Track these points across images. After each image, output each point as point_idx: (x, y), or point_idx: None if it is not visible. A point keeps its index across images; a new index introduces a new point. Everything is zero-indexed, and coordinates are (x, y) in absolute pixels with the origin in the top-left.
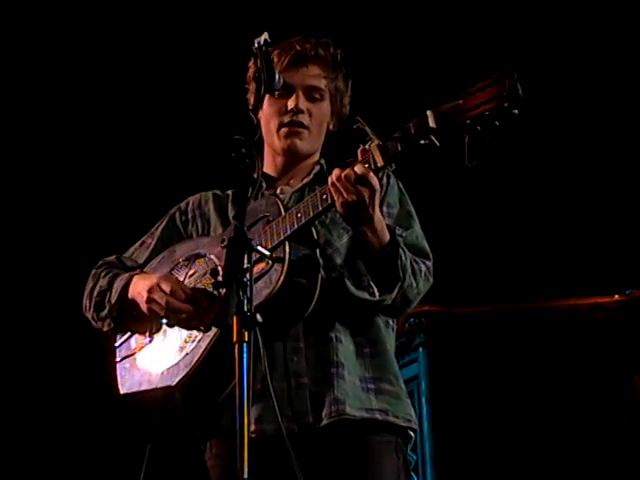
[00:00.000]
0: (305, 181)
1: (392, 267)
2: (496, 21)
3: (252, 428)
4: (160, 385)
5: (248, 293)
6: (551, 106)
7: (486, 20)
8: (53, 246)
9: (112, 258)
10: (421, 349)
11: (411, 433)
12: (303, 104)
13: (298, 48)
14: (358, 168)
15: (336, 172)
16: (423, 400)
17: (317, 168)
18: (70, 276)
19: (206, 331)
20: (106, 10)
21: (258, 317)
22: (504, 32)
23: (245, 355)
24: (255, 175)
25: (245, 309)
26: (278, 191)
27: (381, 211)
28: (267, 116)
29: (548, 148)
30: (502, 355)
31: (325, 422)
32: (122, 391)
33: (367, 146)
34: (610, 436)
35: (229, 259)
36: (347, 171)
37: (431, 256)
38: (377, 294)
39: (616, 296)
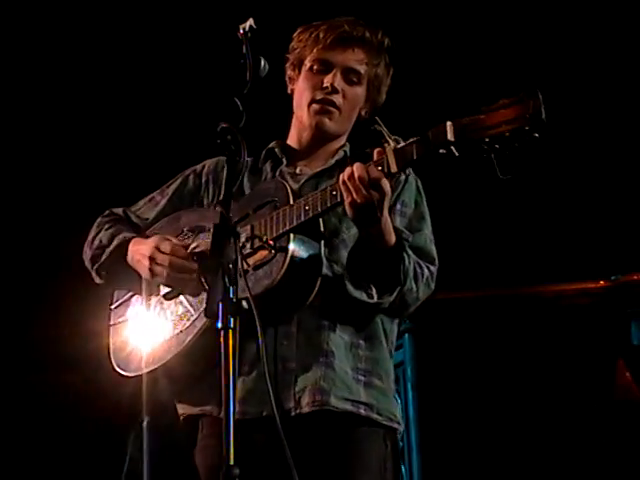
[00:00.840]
0: (325, 166)
1: (394, 270)
2: (524, 35)
3: (236, 409)
4: (152, 365)
5: (235, 280)
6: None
7: (513, 33)
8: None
9: (119, 210)
10: (407, 335)
11: (397, 427)
12: (339, 84)
13: (346, 28)
14: (372, 171)
15: (348, 171)
16: (409, 386)
17: (340, 154)
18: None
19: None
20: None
21: (244, 304)
22: (529, 46)
23: (231, 342)
24: (241, 161)
25: (231, 296)
26: (298, 170)
27: (395, 209)
28: (301, 89)
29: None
30: (488, 341)
31: (306, 410)
32: (122, 369)
33: (384, 148)
34: (595, 420)
35: (214, 246)
36: (359, 172)
37: (437, 262)
38: (375, 296)
39: (602, 282)
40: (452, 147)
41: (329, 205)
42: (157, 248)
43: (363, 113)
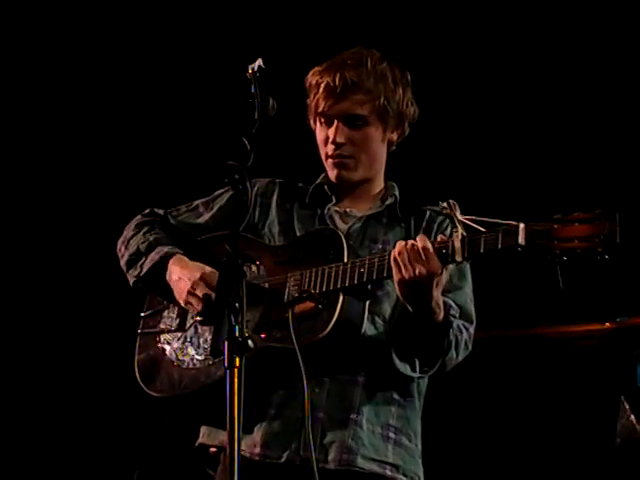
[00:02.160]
0: (373, 210)
1: (439, 344)
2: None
3: (257, 451)
4: (179, 391)
5: (242, 319)
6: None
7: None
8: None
9: (161, 212)
10: None
11: None
12: (343, 135)
13: (331, 82)
14: (432, 260)
15: (402, 247)
16: None
17: (390, 200)
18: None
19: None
20: (106, 16)
21: (250, 343)
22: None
23: (236, 381)
24: (248, 200)
25: (237, 334)
26: (347, 210)
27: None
28: (318, 142)
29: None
30: (492, 381)
31: (332, 467)
32: (145, 384)
33: (449, 235)
34: (597, 462)
35: (221, 284)
36: (417, 250)
37: (475, 321)
38: (418, 369)
39: (607, 324)
40: (519, 249)
41: (385, 275)
42: (201, 281)
43: (394, 139)
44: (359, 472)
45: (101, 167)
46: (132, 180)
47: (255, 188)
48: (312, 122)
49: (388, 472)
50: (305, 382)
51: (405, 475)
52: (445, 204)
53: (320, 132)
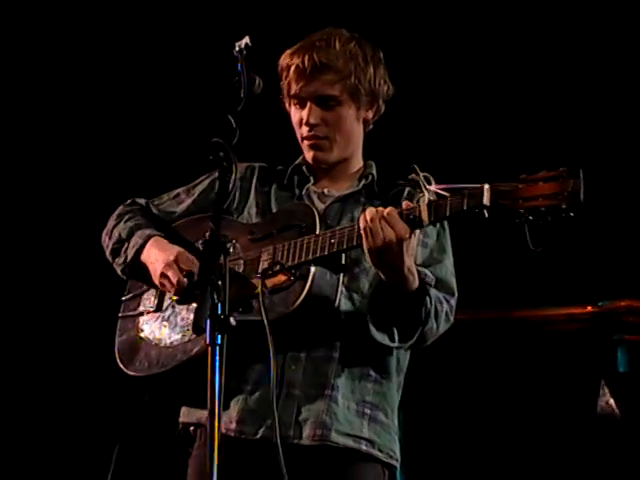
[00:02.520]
0: (351, 189)
1: (416, 313)
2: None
3: (233, 427)
4: (155, 369)
5: (224, 297)
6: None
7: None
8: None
9: (142, 201)
10: None
11: (395, 464)
12: (316, 116)
13: (300, 64)
14: (399, 227)
15: (370, 213)
16: None
17: (368, 178)
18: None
19: None
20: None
21: (231, 320)
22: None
23: (217, 359)
24: (232, 178)
25: (219, 312)
26: (325, 191)
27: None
28: (293, 125)
29: (521, 159)
30: (473, 363)
31: (307, 443)
32: (124, 364)
33: (416, 201)
34: (579, 442)
35: (204, 261)
36: (383, 217)
37: (456, 293)
38: (397, 339)
39: (589, 307)
40: (485, 210)
41: (355, 244)
42: (175, 264)
43: (367, 118)
44: (333, 447)
45: (84, 148)
46: (117, 162)
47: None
48: (287, 105)
49: (363, 447)
50: (272, 355)
51: (381, 451)
52: (413, 175)
53: (294, 114)
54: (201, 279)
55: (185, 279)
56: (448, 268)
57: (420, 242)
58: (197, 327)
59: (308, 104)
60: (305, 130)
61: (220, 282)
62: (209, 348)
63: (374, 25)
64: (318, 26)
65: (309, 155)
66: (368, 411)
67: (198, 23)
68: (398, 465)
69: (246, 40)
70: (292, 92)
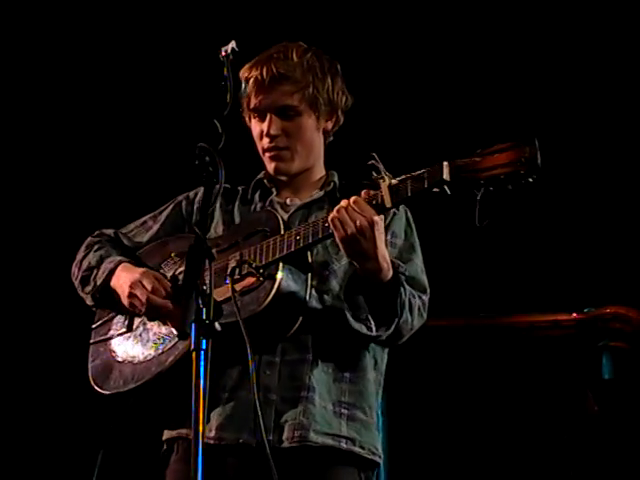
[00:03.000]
0: (314, 197)
1: (391, 303)
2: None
3: (212, 434)
4: (131, 384)
5: (208, 302)
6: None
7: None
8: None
9: (110, 232)
10: None
11: (376, 459)
12: (276, 127)
13: (259, 76)
14: (364, 208)
15: (342, 205)
16: (379, 412)
17: (330, 185)
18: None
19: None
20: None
21: (216, 326)
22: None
23: (202, 364)
24: (217, 183)
25: (204, 317)
26: (287, 201)
27: (385, 240)
28: (254, 138)
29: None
30: (461, 368)
31: (286, 445)
32: (99, 386)
33: (378, 183)
34: (563, 445)
35: (189, 267)
36: (349, 206)
37: (428, 290)
38: (374, 329)
39: (574, 314)
40: (446, 186)
41: (320, 236)
42: (139, 282)
43: (327, 128)
44: (313, 447)
45: (70, 152)
46: (104, 166)
47: (197, 196)
48: (247, 119)
49: (343, 445)
50: (250, 353)
51: (362, 447)
52: (372, 161)
53: (255, 127)
54: (186, 284)
55: (153, 296)
56: (418, 265)
57: (389, 242)
58: (182, 332)
59: (268, 115)
60: (266, 142)
61: (205, 287)
62: (194, 353)
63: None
64: (301, 31)
65: (271, 167)
66: (345, 411)
67: (184, 28)
68: (381, 462)
69: (232, 45)
70: (252, 105)
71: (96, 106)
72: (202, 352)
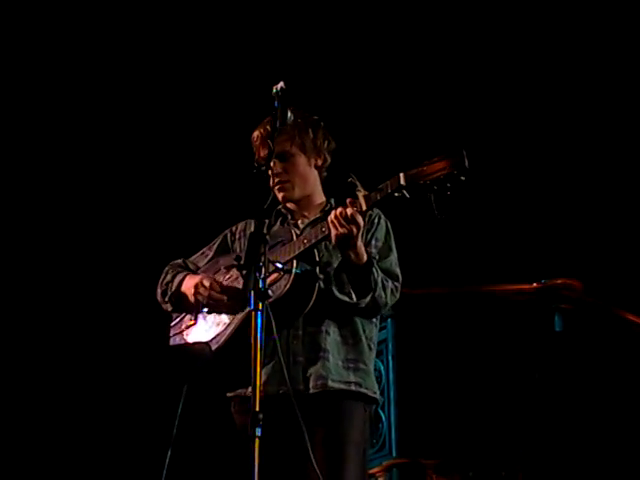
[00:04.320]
0: (317, 216)
1: (367, 280)
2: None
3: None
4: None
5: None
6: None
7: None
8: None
9: (179, 260)
10: (389, 320)
11: (377, 397)
12: (278, 167)
13: (261, 132)
14: (349, 210)
15: (334, 213)
16: (390, 357)
17: (328, 207)
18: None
19: (236, 313)
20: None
21: (270, 292)
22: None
23: (260, 321)
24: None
25: (260, 286)
26: (299, 222)
27: (370, 243)
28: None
29: (480, 146)
30: (449, 325)
31: (312, 391)
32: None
33: (357, 195)
34: (527, 388)
35: (249, 248)
36: (341, 211)
37: (400, 279)
38: (354, 298)
39: (534, 284)
40: (404, 190)
41: (319, 237)
42: (201, 283)
43: (318, 164)
44: (331, 391)
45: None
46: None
47: (238, 228)
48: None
49: (353, 387)
50: (274, 329)
51: (367, 389)
52: (350, 179)
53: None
54: (247, 262)
55: (212, 291)
56: (393, 261)
57: (373, 245)
58: (244, 298)
59: (273, 161)
60: (274, 180)
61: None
62: (252, 313)
63: None
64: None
65: (279, 196)
66: (351, 365)
67: (244, 71)
68: (380, 399)
69: (281, 84)
70: (259, 157)
71: (158, 144)
72: (259, 312)
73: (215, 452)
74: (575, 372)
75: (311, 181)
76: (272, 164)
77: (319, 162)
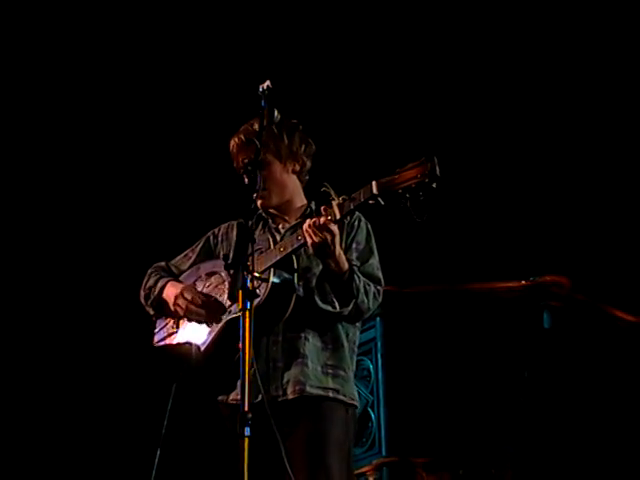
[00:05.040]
0: (297, 221)
1: (349, 288)
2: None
3: (238, 397)
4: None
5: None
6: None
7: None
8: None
9: (162, 263)
10: (378, 318)
11: (355, 403)
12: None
13: (235, 142)
14: (322, 219)
15: (307, 222)
16: (379, 355)
17: (308, 210)
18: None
19: (217, 322)
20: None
21: (257, 291)
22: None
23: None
24: (258, 186)
25: (247, 285)
26: (280, 226)
27: (351, 246)
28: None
29: (473, 147)
30: (437, 322)
31: (290, 397)
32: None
33: (331, 203)
34: (517, 385)
35: (237, 248)
36: (314, 221)
37: (382, 282)
38: (337, 307)
39: (523, 282)
40: (378, 198)
41: (295, 246)
42: (181, 294)
43: (296, 169)
44: (309, 397)
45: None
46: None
47: (221, 230)
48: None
49: (330, 394)
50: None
51: (345, 395)
52: (324, 188)
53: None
54: (234, 260)
55: (191, 305)
56: (375, 265)
57: (354, 248)
58: (232, 296)
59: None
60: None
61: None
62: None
63: None
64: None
65: (258, 203)
66: (330, 370)
67: (231, 69)
68: (358, 405)
69: (268, 83)
70: (236, 166)
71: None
72: (247, 310)
73: (203, 452)
74: (564, 369)
75: (289, 187)
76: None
77: (297, 167)
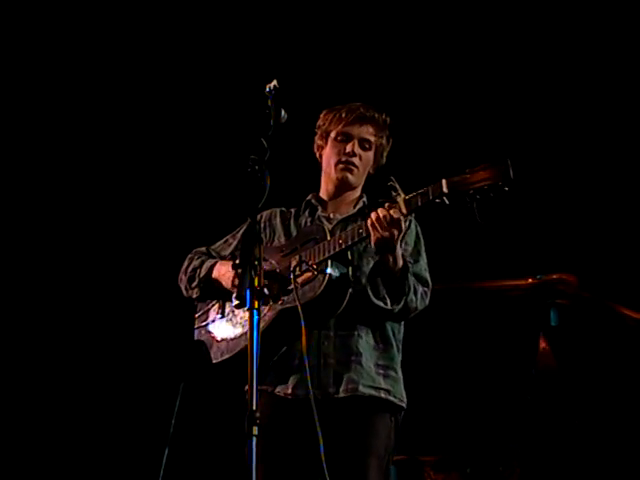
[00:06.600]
0: (350, 213)
1: (401, 285)
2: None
3: (289, 391)
4: (226, 355)
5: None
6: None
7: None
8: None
9: (203, 249)
10: None
11: (404, 405)
12: (357, 150)
13: (361, 110)
14: (394, 212)
15: (373, 216)
16: None
17: (360, 204)
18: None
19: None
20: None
21: (265, 290)
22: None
23: (255, 319)
24: (265, 185)
25: (256, 284)
26: (331, 215)
27: (400, 246)
28: (328, 154)
29: (476, 148)
30: (450, 318)
31: (342, 395)
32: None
33: (396, 198)
34: (522, 382)
35: (244, 247)
36: (384, 215)
37: (430, 284)
38: (389, 304)
39: (530, 279)
40: (445, 198)
41: (356, 239)
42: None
43: (371, 171)
44: (361, 397)
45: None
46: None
47: (263, 217)
48: (324, 142)
49: (382, 395)
50: (303, 333)
51: (395, 397)
52: (391, 183)
53: (336, 146)
54: (242, 260)
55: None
56: (423, 266)
57: (402, 249)
58: (239, 296)
59: (353, 141)
60: (345, 157)
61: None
62: (249, 311)
63: None
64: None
65: (340, 174)
66: (382, 371)
67: (237, 68)
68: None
69: (274, 82)
70: (342, 129)
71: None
72: (255, 310)
73: (214, 449)
74: (571, 367)
75: (363, 179)
76: (351, 144)
77: (372, 169)
